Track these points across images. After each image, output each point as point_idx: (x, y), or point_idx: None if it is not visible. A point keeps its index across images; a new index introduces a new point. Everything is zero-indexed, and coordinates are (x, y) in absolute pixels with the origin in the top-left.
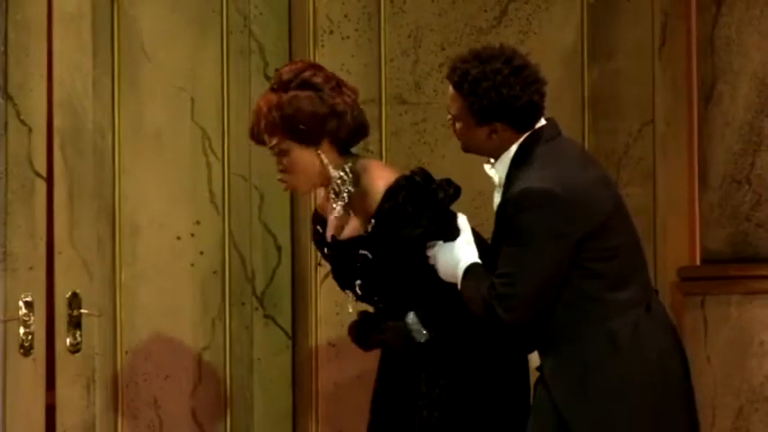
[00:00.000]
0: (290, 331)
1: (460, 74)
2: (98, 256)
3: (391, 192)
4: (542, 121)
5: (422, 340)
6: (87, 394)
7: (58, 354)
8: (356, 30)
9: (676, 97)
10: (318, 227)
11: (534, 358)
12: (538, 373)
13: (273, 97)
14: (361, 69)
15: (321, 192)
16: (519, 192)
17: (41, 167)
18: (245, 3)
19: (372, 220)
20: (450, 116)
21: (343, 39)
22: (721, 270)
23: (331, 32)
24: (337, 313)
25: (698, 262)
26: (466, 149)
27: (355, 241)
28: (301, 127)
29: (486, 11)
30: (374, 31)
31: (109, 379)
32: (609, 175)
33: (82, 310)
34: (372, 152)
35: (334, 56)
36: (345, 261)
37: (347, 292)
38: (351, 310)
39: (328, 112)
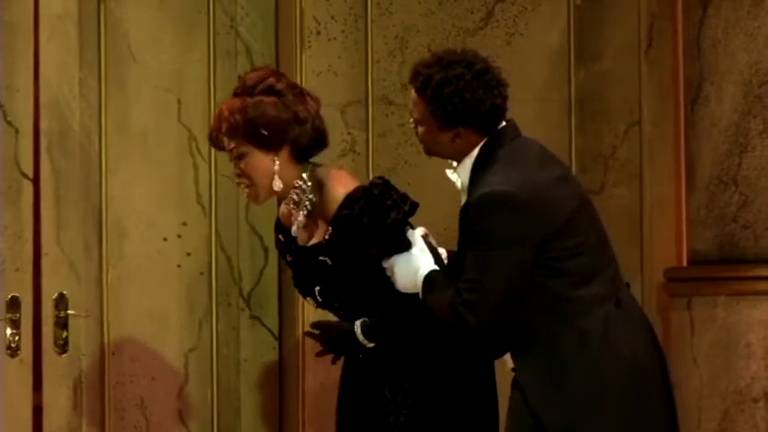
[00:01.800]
0: (276, 332)
1: (423, 79)
2: (85, 257)
3: (349, 200)
4: (502, 123)
5: (368, 346)
6: (74, 395)
7: (44, 355)
8: (343, 31)
9: (663, 98)
10: (280, 235)
11: (508, 360)
12: (513, 374)
13: (237, 102)
14: (347, 70)
15: (283, 205)
16: (479, 196)
17: (28, 169)
18: (232, 4)
19: (330, 227)
20: (412, 120)
21: (329, 40)
22: (708, 271)
23: (318, 33)
24: (324, 315)
25: (684, 263)
26: (429, 152)
27: (315, 248)
28: (263, 132)
29: (472, 12)
30: (361, 33)
31: (95, 380)
32: (570, 173)
33: (69, 311)
34: (359, 153)
35: (321, 57)
36: (306, 267)
37: (308, 299)
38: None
39: (291, 118)
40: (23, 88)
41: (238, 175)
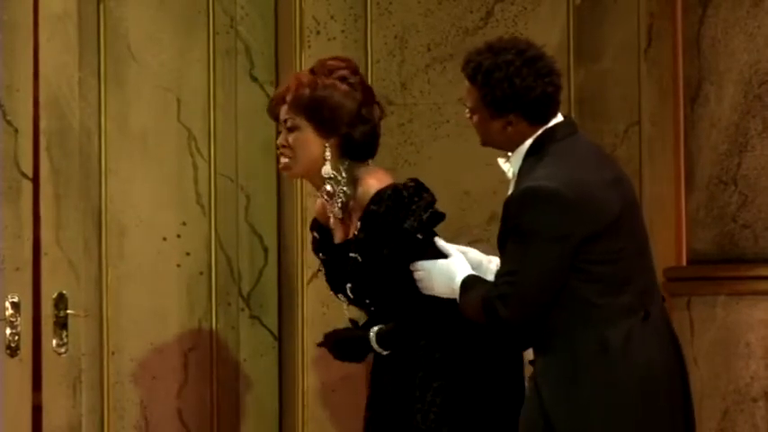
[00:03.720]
0: (276, 332)
1: (474, 66)
2: (84, 256)
3: (379, 196)
4: (559, 117)
5: (383, 353)
6: (74, 395)
7: (44, 354)
8: (342, 31)
9: (662, 98)
10: (315, 233)
11: (529, 352)
12: (531, 367)
13: (312, 77)
14: None
15: (318, 200)
16: (523, 189)
17: (28, 168)
18: (232, 3)
19: (359, 222)
20: (467, 110)
21: (329, 40)
22: (707, 271)
23: (317, 33)
24: (324, 314)
25: (684, 263)
26: (484, 143)
27: (346, 244)
28: (325, 113)
29: (472, 12)
30: (360, 32)
31: (95, 379)
32: (623, 178)
33: (68, 311)
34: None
35: (321, 57)
36: (338, 264)
37: (339, 296)
38: (347, 314)
39: (355, 111)
40: (23, 88)
41: (283, 146)
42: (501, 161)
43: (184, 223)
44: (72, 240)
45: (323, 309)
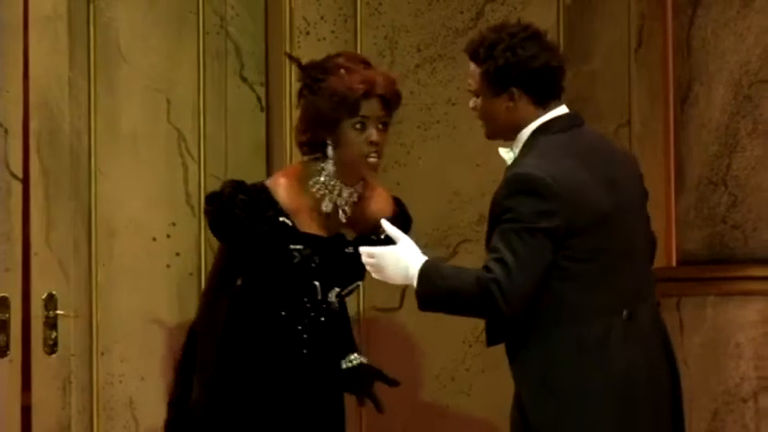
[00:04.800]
0: None
1: (476, 43)
2: (74, 257)
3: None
4: (563, 109)
5: None
6: (63, 395)
7: (34, 355)
8: (332, 31)
9: (652, 99)
10: (287, 220)
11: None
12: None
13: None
14: None
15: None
16: (511, 174)
17: (17, 169)
18: (222, 4)
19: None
20: (471, 102)
21: (319, 40)
22: (697, 271)
23: (307, 33)
24: None
25: (674, 263)
26: (490, 133)
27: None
28: None
29: (462, 12)
30: (350, 33)
31: (85, 380)
32: (629, 181)
33: (58, 311)
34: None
35: (310, 57)
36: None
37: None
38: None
39: None
40: (13, 88)
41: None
42: (503, 151)
43: (174, 224)
44: (62, 241)
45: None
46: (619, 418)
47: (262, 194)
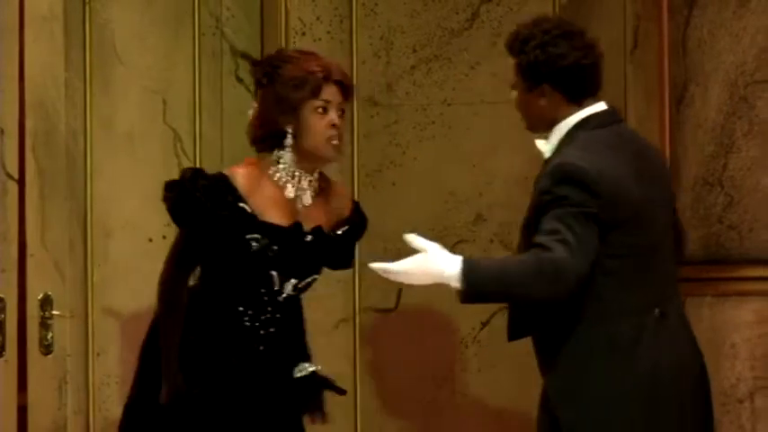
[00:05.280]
0: None
1: (514, 36)
2: (70, 257)
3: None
4: (601, 105)
5: None
6: (59, 396)
7: (29, 355)
8: (328, 32)
9: (648, 99)
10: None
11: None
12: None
13: None
14: None
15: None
16: (555, 164)
17: (13, 169)
18: (217, 4)
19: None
20: (512, 93)
21: (315, 41)
22: (693, 272)
23: (303, 34)
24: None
25: None
26: (529, 125)
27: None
28: None
29: (457, 12)
30: (346, 33)
31: (81, 380)
32: (662, 177)
33: (54, 312)
34: (344, 154)
35: None
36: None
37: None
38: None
39: None
40: (9, 89)
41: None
42: (540, 143)
43: (170, 224)
44: (57, 241)
45: (306, 309)
46: (645, 418)
47: (221, 181)
